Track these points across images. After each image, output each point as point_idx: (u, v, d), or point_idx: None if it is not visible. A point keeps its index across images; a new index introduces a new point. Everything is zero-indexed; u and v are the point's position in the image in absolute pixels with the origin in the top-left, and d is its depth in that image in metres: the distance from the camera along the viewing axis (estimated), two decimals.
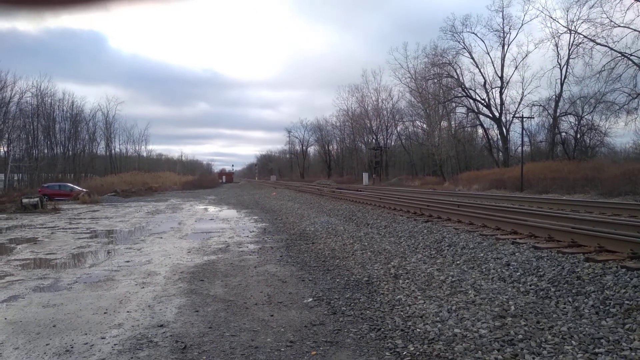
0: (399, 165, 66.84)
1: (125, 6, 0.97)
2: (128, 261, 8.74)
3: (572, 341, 3.81)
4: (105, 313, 5.32)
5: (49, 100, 50.21)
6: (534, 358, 3.56)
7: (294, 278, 7.03)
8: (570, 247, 6.97)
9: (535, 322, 4.30)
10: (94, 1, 0.95)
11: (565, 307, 4.84)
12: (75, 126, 54.94)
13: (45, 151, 50.81)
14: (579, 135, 40.11)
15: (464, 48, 45.85)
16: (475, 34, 46.45)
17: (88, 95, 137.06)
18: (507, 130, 45.37)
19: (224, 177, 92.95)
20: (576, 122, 39.83)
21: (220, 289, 6.42)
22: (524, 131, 37.04)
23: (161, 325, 4.81)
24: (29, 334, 4.63)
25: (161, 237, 12.20)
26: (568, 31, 36.61)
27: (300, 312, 5.26)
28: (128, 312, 5.35)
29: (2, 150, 43.24)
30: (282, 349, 4.13)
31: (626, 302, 4.61)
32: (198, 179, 66.96)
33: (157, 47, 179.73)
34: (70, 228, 14.85)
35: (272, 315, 5.12)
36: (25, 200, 22.18)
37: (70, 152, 54.30)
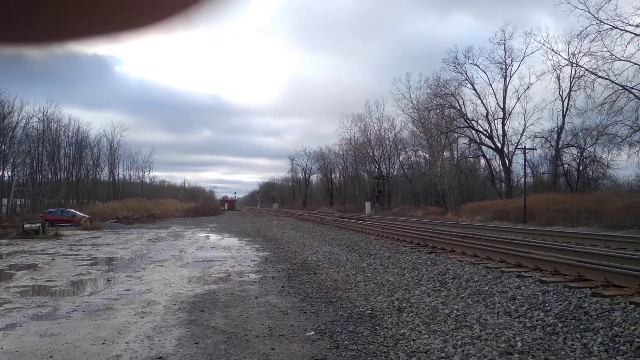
0: (402, 194, 66.72)
1: (134, 38, 0.99)
2: (128, 290, 8.64)
3: None
4: (103, 344, 5.22)
5: (55, 126, 50.80)
6: None
7: (296, 310, 6.92)
8: (577, 281, 6.89)
9: (543, 359, 4.20)
10: (104, 34, 0.97)
11: (573, 344, 4.73)
12: (80, 152, 55.37)
13: (49, 176, 51.15)
14: (581, 167, 40.13)
15: (466, 79, 46.40)
16: (478, 66, 46.68)
17: (93, 121, 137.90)
18: (510, 162, 45.43)
19: (226, 204, 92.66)
20: (578, 154, 39.95)
21: (220, 320, 6.31)
22: (526, 162, 37.15)
23: (160, 358, 4.71)
24: None
25: (162, 265, 12.09)
26: (569, 64, 37.09)
27: (302, 345, 5.15)
28: (127, 342, 5.25)
29: (6, 175, 43.56)
30: None
31: (636, 339, 4.50)
32: (200, 206, 66.87)
33: (162, 73, 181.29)
34: (70, 255, 14.76)
35: (273, 349, 5.01)
36: (27, 226, 22.14)
37: (74, 178, 54.54)
